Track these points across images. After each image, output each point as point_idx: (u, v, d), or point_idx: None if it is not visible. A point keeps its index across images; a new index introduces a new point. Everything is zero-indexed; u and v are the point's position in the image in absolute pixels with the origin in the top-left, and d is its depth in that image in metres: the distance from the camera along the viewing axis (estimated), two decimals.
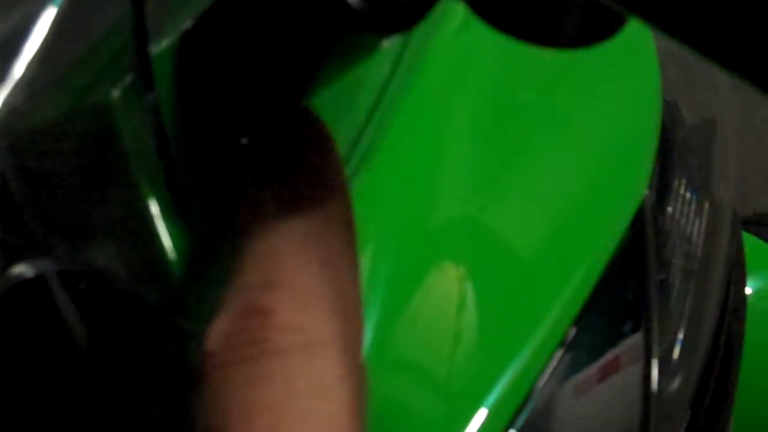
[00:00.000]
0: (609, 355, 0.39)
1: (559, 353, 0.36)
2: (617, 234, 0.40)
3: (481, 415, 0.33)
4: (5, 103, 0.20)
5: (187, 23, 0.24)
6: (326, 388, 0.20)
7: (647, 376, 0.39)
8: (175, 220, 0.24)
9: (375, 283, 0.32)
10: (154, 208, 0.23)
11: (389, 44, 0.25)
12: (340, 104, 0.32)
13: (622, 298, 0.40)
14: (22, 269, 0.21)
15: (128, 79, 0.23)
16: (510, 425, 0.34)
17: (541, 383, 0.36)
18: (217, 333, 0.20)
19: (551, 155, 0.40)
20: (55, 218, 0.22)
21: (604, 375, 0.38)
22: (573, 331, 0.37)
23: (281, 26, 0.24)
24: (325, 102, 0.31)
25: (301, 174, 0.23)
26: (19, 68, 0.21)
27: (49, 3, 0.21)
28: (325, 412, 0.19)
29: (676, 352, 0.42)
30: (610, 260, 0.38)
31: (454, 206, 0.36)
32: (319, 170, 0.24)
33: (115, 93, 0.23)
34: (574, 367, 0.37)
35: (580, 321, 0.37)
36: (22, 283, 0.21)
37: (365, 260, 0.32)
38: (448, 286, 0.35)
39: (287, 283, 0.21)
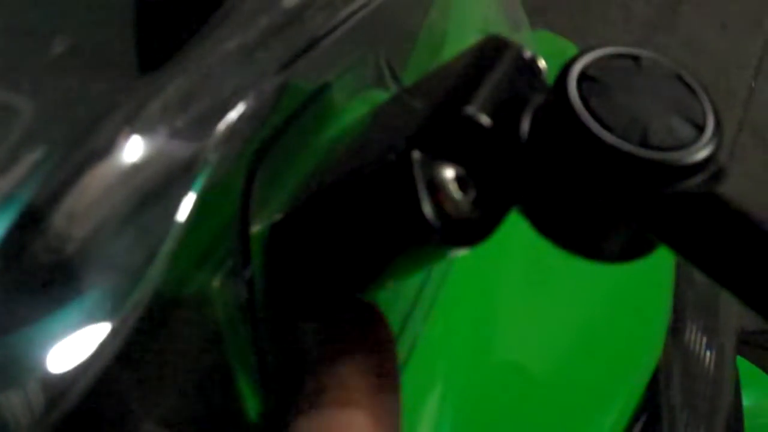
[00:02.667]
0: None
1: None
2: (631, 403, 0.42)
3: None
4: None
5: (276, 216, 0.26)
6: None
7: None
8: (259, 389, 0.26)
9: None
10: (243, 380, 0.26)
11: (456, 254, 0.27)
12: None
13: None
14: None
15: (227, 264, 0.25)
16: None
17: None
18: None
19: (571, 326, 0.43)
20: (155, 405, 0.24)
21: None
22: None
23: (359, 233, 0.26)
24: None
25: (359, 359, 0.26)
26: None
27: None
28: None
29: None
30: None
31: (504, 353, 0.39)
32: (374, 357, 0.26)
33: (215, 281, 0.25)
34: None
35: None
36: None
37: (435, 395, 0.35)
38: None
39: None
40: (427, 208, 0.24)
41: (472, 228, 0.25)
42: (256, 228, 0.27)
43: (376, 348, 0.27)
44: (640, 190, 0.23)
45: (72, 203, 0.21)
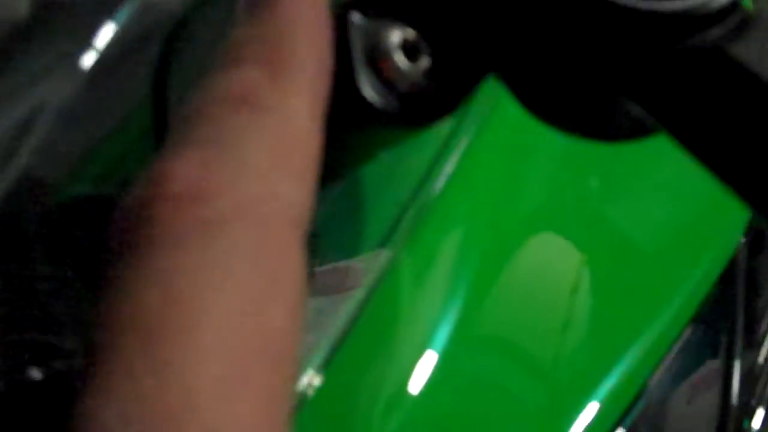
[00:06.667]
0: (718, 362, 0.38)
1: (674, 352, 0.36)
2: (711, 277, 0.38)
3: (590, 410, 0.32)
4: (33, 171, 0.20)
5: None
6: (221, 281, 0.15)
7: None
8: None
9: (468, 258, 0.32)
10: None
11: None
12: None
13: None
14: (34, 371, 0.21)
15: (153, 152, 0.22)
16: (619, 423, 0.34)
17: (653, 382, 0.35)
18: (121, 206, 0.16)
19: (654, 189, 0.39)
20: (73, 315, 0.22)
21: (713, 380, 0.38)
22: (688, 332, 0.36)
23: None
24: None
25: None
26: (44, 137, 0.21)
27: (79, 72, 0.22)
28: (215, 317, 0.15)
29: None
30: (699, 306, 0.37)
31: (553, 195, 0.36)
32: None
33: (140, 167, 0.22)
34: (688, 368, 0.37)
35: (695, 322, 0.36)
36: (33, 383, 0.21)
37: (459, 233, 0.32)
38: (554, 275, 0.34)
39: (201, 138, 0.17)
40: (365, 81, 0.20)
41: (427, 103, 0.21)
42: None
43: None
44: (630, 48, 0.18)
45: None
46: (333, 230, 0.29)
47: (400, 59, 0.20)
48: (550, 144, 0.35)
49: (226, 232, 0.16)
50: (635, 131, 0.21)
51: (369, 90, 0.20)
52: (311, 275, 0.27)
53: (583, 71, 0.20)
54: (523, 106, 0.21)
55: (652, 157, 0.37)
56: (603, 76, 0.19)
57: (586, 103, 0.21)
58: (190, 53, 0.23)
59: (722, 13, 0.18)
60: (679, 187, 0.38)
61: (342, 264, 0.29)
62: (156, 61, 0.22)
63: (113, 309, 0.15)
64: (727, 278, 0.40)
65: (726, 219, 0.40)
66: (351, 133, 0.21)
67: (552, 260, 0.34)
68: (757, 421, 0.40)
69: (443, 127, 0.31)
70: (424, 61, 0.20)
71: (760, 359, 0.41)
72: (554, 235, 0.35)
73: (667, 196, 0.38)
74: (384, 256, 0.30)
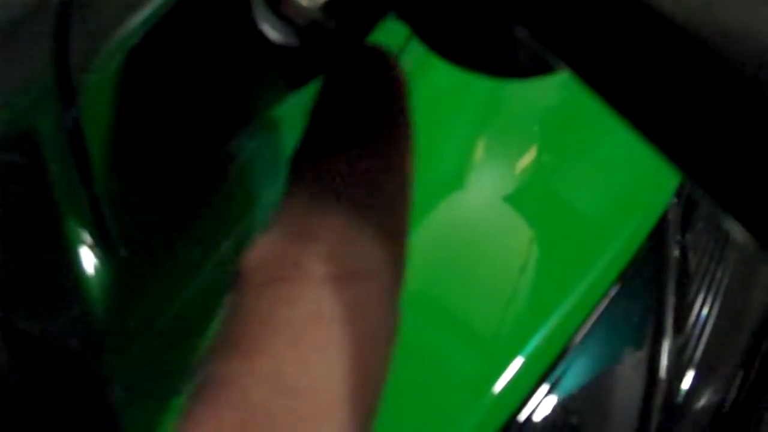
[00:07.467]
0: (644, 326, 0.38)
1: (598, 312, 0.36)
2: (639, 235, 0.38)
3: (515, 366, 0.32)
4: None
5: (120, 53, 0.23)
6: (353, 317, 0.18)
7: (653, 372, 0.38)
8: (100, 258, 0.23)
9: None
10: (79, 246, 0.23)
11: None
12: None
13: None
14: None
15: (57, 108, 0.22)
16: (544, 378, 0.34)
17: (577, 339, 0.35)
18: (256, 254, 0.19)
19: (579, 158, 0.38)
20: None
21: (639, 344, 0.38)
22: (612, 292, 0.36)
23: (209, 50, 0.22)
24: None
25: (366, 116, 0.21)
26: None
27: None
28: (348, 341, 0.18)
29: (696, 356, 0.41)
30: (627, 263, 0.37)
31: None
32: (384, 114, 0.21)
33: (45, 122, 0.22)
34: (610, 329, 0.37)
35: (620, 281, 0.37)
36: None
37: None
38: (487, 236, 0.34)
39: (336, 209, 0.19)
40: (262, 16, 0.19)
41: (327, 39, 0.20)
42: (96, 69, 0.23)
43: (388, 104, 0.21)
44: None
45: None
46: (240, 192, 0.28)
47: None
48: (478, 110, 0.35)
49: (350, 284, 0.19)
50: (537, 68, 0.21)
51: (267, 26, 0.20)
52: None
53: (478, 4, 0.20)
54: (424, 43, 0.21)
55: (584, 121, 0.37)
56: (496, 6, 0.19)
57: (483, 38, 0.21)
58: (92, 10, 0.23)
59: None
60: (606, 152, 0.38)
61: None
62: (57, 18, 0.22)
63: (262, 314, 0.18)
64: (657, 251, 0.40)
65: (652, 182, 0.39)
66: (255, 74, 0.21)
67: (491, 227, 0.34)
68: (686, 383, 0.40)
69: None
70: None
71: (690, 321, 0.41)
72: (484, 199, 0.34)
73: (595, 160, 0.38)
74: None
